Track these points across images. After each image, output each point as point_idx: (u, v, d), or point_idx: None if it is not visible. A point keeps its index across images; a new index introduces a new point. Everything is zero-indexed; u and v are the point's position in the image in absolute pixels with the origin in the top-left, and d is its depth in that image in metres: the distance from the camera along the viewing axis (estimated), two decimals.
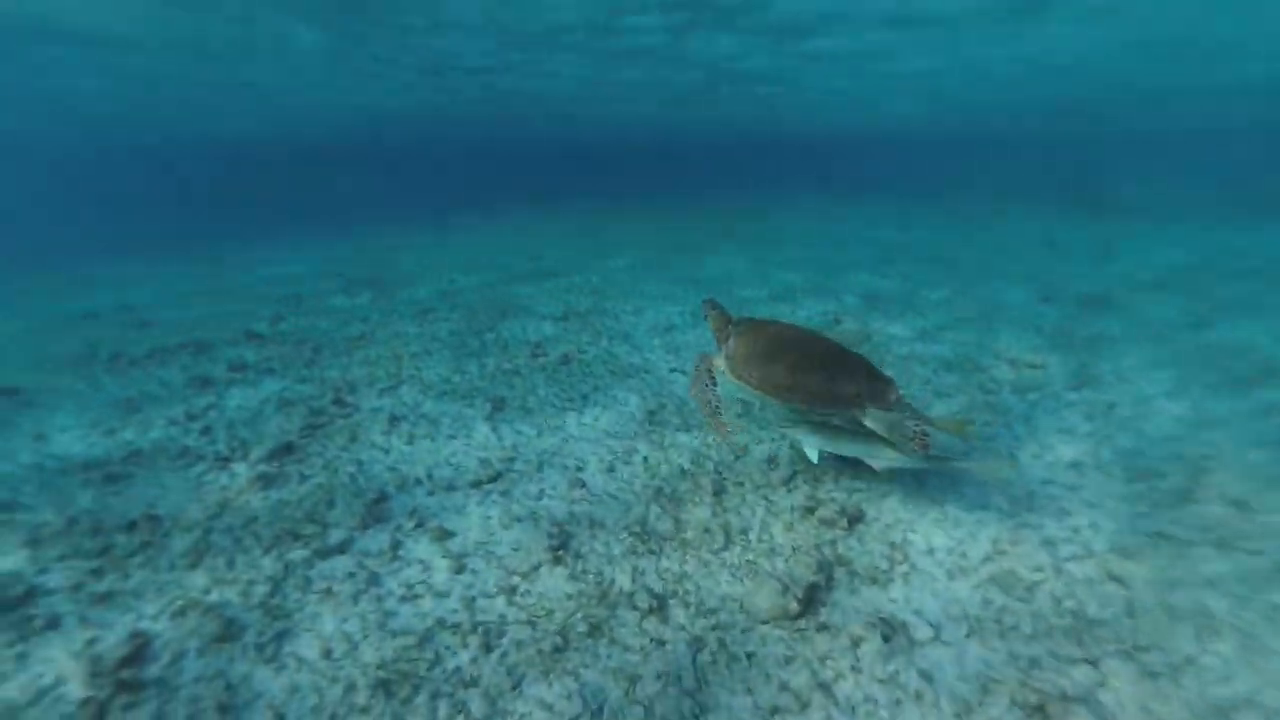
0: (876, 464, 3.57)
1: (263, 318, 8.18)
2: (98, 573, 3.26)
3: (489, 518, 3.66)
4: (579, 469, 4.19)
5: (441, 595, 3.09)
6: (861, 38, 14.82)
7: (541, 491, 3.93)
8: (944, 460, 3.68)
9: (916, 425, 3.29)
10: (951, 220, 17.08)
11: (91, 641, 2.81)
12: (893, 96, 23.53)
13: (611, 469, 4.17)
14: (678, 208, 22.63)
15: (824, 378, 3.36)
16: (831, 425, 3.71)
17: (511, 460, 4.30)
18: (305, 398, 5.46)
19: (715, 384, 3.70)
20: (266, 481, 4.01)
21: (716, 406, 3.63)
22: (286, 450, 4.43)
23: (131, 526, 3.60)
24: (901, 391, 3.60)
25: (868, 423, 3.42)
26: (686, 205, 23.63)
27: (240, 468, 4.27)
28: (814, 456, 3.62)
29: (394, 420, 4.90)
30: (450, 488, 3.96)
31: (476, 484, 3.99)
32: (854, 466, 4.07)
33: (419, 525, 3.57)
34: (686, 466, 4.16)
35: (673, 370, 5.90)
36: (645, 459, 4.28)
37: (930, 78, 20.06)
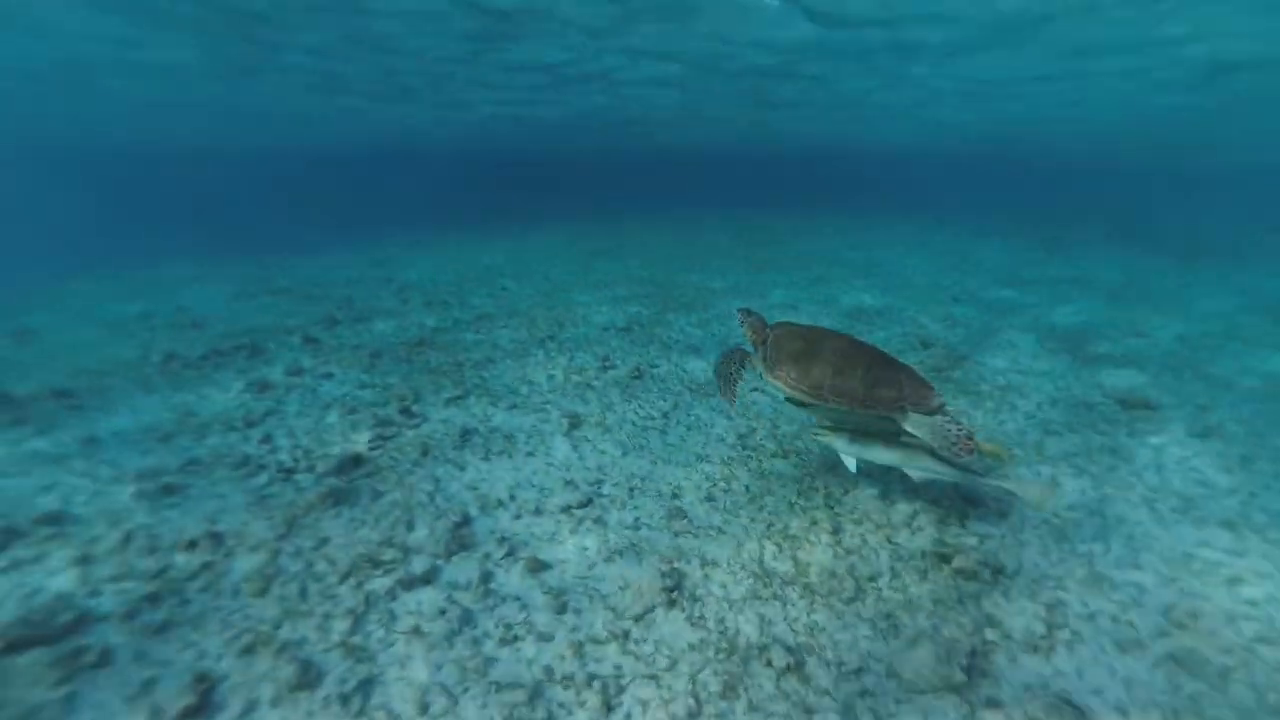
0: (914, 474, 3.37)
1: (317, 320, 7.98)
2: (154, 599, 2.93)
3: (585, 548, 3.27)
4: (675, 496, 3.78)
5: (545, 639, 2.69)
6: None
7: (638, 520, 3.53)
8: (983, 476, 3.39)
9: (960, 429, 3.09)
10: (1036, 245, 16.51)
11: (149, 684, 2.47)
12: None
13: (711, 498, 3.76)
14: (727, 221, 22.34)
15: (864, 380, 3.25)
16: (869, 433, 3.52)
17: (599, 483, 3.91)
18: (369, 404, 5.16)
19: (743, 368, 3.65)
20: (337, 497, 3.67)
21: (734, 380, 3.59)
22: (355, 463, 4.10)
23: (191, 545, 3.28)
24: (945, 401, 3.33)
25: (909, 427, 3.23)
26: (738, 219, 23.33)
27: (306, 480, 3.95)
28: (852, 465, 3.48)
29: (466, 434, 4.56)
30: (537, 511, 3.58)
31: (566, 509, 3.61)
32: (975, 506, 3.62)
33: (510, 554, 3.19)
34: (794, 499, 3.74)
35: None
36: (747, 488, 3.86)
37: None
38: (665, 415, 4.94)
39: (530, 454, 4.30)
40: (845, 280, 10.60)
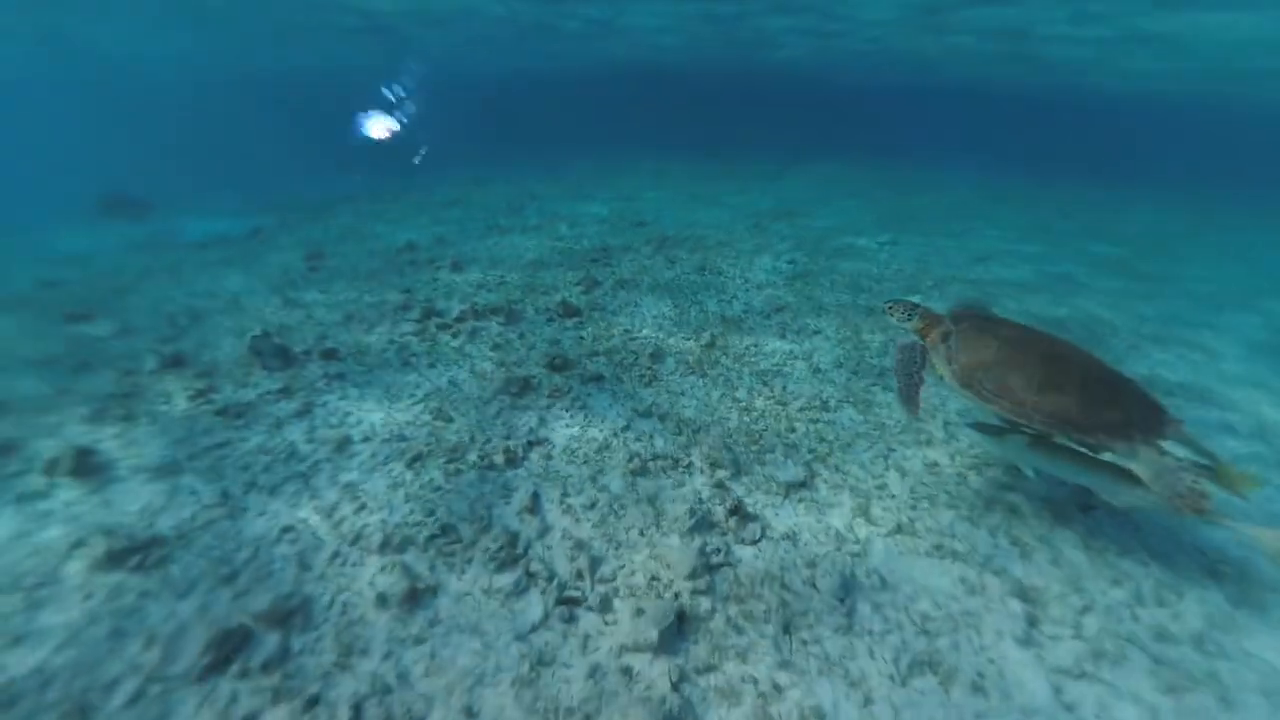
0: (1115, 500, 2.66)
1: (575, 280, 6.65)
2: None
3: None
4: None
5: None
6: None
7: None
8: (1213, 516, 2.41)
9: (1195, 482, 2.33)
10: None
11: None
12: None
13: None
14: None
15: (1083, 397, 2.52)
16: (1057, 441, 2.80)
17: None
18: (664, 464, 3.50)
19: (924, 367, 2.92)
20: None
21: (917, 382, 2.91)
22: (678, 624, 2.44)
23: None
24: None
25: (1135, 467, 2.49)
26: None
27: (599, 638, 2.39)
28: (1029, 472, 2.92)
29: (846, 591, 2.63)
30: None
31: None
32: None
33: None
34: None
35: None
36: None
37: None
38: (1178, 619, 2.49)
39: (978, 686, 2.24)
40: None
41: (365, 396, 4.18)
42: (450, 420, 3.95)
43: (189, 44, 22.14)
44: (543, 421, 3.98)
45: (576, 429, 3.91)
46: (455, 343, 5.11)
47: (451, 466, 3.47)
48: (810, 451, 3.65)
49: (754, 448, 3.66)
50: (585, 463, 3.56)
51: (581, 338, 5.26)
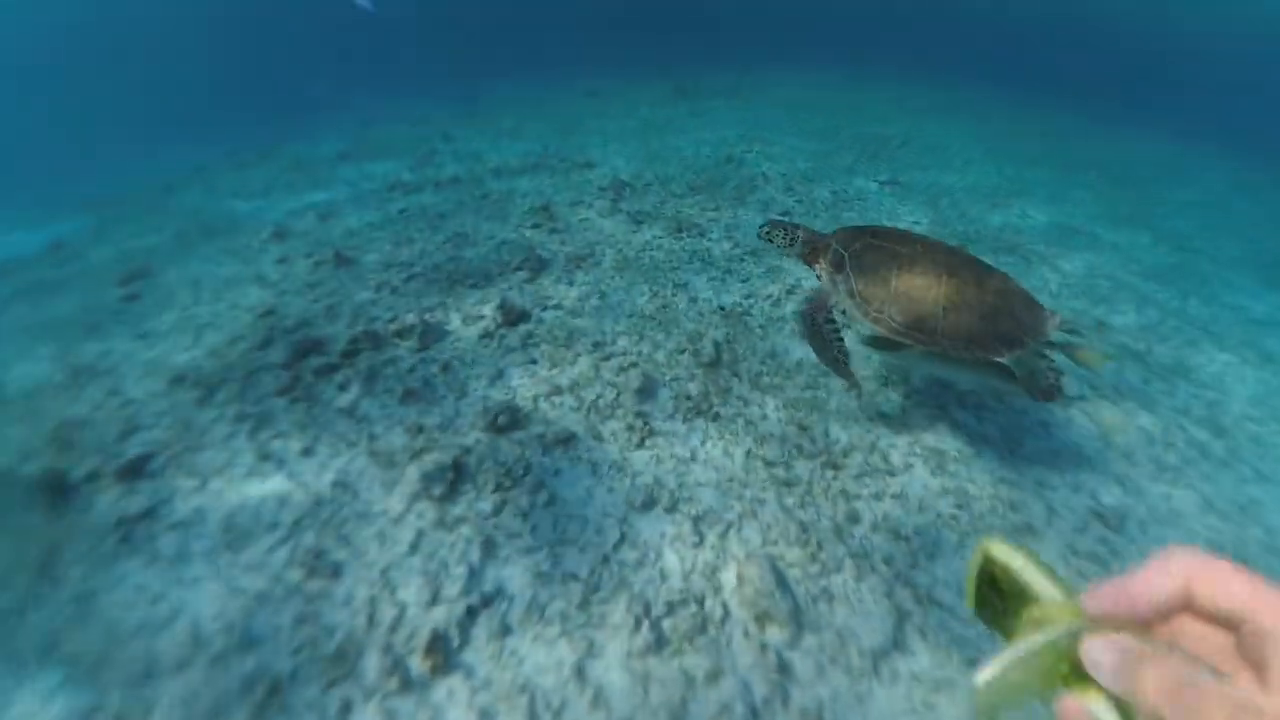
0: (989, 391, 3.07)
1: (511, 264, 4.86)
2: None
3: None
4: None
5: None
6: None
7: None
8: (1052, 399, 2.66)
9: (1055, 380, 2.56)
10: None
11: None
12: None
13: None
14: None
15: (982, 312, 2.46)
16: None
17: None
18: (689, 617, 2.10)
19: (839, 330, 2.72)
20: None
21: (839, 349, 2.70)
22: None
23: None
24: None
25: (1015, 368, 2.56)
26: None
27: None
28: (914, 378, 3.21)
29: None
30: None
31: None
32: None
33: None
34: None
35: None
36: None
37: None
38: None
39: None
40: None
41: (185, 557, 2.53)
42: (338, 574, 2.41)
43: None
44: (488, 551, 2.49)
45: (543, 558, 2.44)
46: (345, 398, 3.46)
47: None
48: (888, 565, 2.31)
49: (812, 568, 2.28)
50: (561, 636, 2.13)
51: (534, 362, 3.68)
